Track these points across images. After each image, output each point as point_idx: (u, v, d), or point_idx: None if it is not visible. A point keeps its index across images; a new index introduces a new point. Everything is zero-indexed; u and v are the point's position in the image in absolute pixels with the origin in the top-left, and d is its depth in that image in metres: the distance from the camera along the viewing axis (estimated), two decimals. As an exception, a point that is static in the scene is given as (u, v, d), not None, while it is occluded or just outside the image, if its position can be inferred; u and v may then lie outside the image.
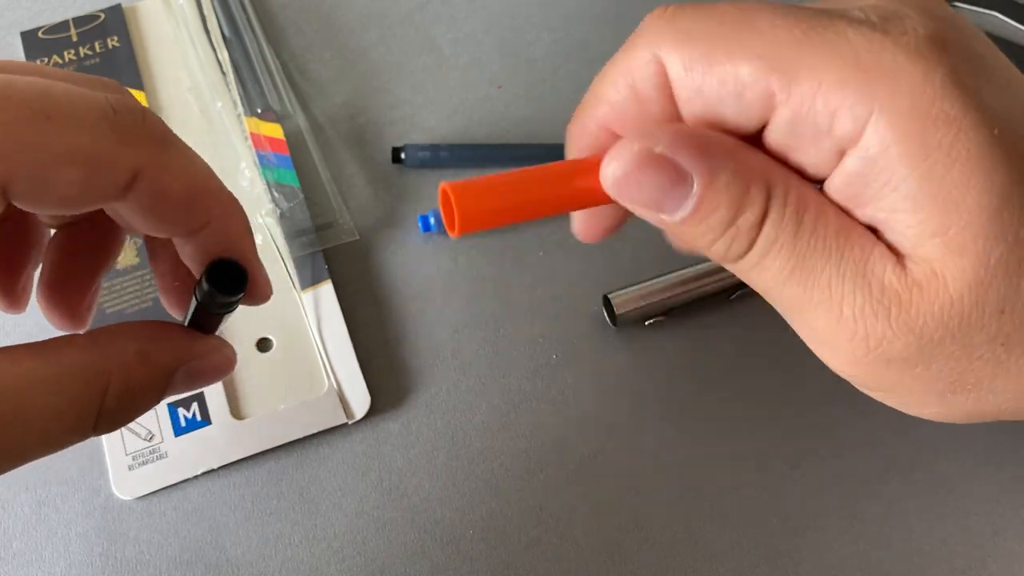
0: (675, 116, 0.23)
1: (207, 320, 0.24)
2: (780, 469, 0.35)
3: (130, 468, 0.34)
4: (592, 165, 0.23)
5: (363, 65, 0.46)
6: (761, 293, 0.23)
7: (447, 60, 0.46)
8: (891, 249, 0.21)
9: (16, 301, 0.26)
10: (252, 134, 0.41)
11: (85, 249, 0.26)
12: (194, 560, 0.33)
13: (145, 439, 0.35)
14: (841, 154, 0.20)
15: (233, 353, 0.25)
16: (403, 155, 0.42)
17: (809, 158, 0.21)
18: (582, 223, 0.27)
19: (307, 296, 0.38)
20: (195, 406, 0.36)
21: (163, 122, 0.22)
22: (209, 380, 0.24)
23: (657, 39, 0.22)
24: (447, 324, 0.38)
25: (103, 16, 0.46)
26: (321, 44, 0.46)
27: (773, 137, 0.21)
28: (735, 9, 0.21)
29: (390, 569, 0.33)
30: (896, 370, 0.21)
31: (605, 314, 0.38)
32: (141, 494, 0.34)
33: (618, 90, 0.23)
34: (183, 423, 0.35)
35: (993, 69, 0.21)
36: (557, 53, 0.46)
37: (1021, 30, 0.47)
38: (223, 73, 0.44)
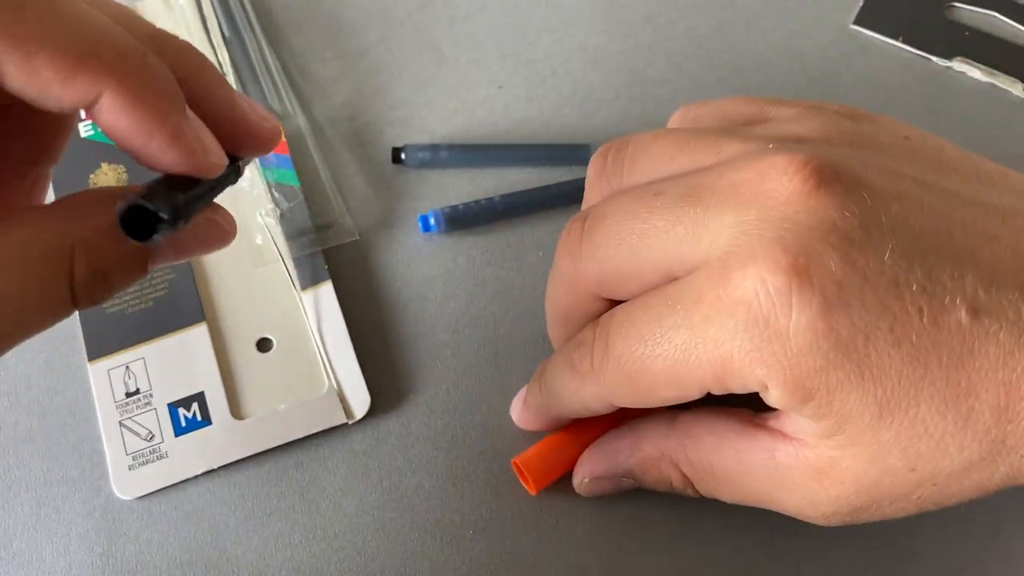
0: None
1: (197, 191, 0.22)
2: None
3: (130, 468, 0.34)
4: (618, 419, 0.33)
5: (363, 65, 0.46)
6: None
7: (447, 60, 0.46)
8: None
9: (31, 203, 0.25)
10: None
11: (20, 131, 0.24)
12: (194, 560, 0.33)
13: (145, 439, 0.35)
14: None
15: (230, 222, 0.23)
16: (403, 155, 0.42)
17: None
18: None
19: (307, 296, 0.38)
20: (195, 406, 0.36)
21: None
22: (200, 250, 0.23)
23: (671, 447, 0.30)
24: (447, 324, 0.38)
25: (103, 16, 0.46)
26: (321, 44, 0.46)
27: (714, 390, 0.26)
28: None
29: (390, 569, 0.33)
30: (864, 516, 0.26)
31: (605, 314, 0.38)
32: (141, 494, 0.34)
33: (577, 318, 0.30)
34: (183, 423, 0.35)
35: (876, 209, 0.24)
36: (557, 53, 0.46)
37: (1021, 30, 0.47)
38: (223, 73, 0.44)
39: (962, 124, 0.44)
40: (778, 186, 0.23)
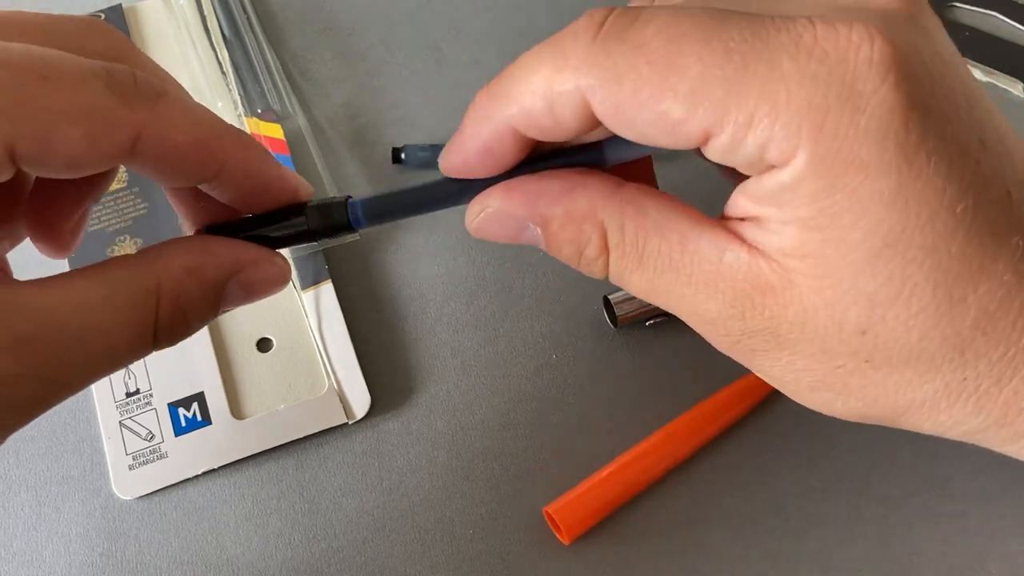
0: (594, 132, 0.23)
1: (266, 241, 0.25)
2: (781, 471, 0.35)
3: (130, 468, 0.34)
4: (649, 455, 0.34)
5: (363, 65, 0.46)
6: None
7: (447, 60, 0.46)
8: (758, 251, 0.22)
9: (64, 245, 0.26)
10: (252, 134, 0.41)
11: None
12: (194, 560, 0.33)
13: (145, 439, 0.35)
14: (767, 170, 0.21)
15: (287, 265, 0.25)
16: (403, 155, 0.42)
17: (741, 172, 0.22)
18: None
19: (307, 296, 0.38)
20: (195, 406, 0.36)
21: (156, 77, 0.22)
22: (264, 291, 0.25)
23: (584, 73, 0.21)
24: (447, 324, 0.38)
25: (103, 16, 0.46)
26: (321, 44, 0.46)
27: (709, 156, 0.22)
28: (664, 45, 0.20)
29: (390, 569, 0.33)
30: (763, 357, 0.23)
31: (605, 315, 0.38)
32: (141, 494, 0.34)
33: (535, 101, 0.22)
34: (183, 423, 0.35)
35: (947, 80, 0.21)
36: (557, 53, 0.46)
37: (1021, 30, 0.47)
38: (223, 73, 0.44)
39: (962, 124, 0.44)
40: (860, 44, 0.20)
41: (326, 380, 0.36)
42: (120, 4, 0.46)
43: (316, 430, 0.35)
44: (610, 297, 0.38)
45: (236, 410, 0.36)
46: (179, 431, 0.35)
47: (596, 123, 0.22)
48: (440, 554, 0.33)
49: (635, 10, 0.21)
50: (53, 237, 0.26)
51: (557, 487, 0.34)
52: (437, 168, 0.26)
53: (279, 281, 0.25)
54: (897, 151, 0.20)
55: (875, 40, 0.20)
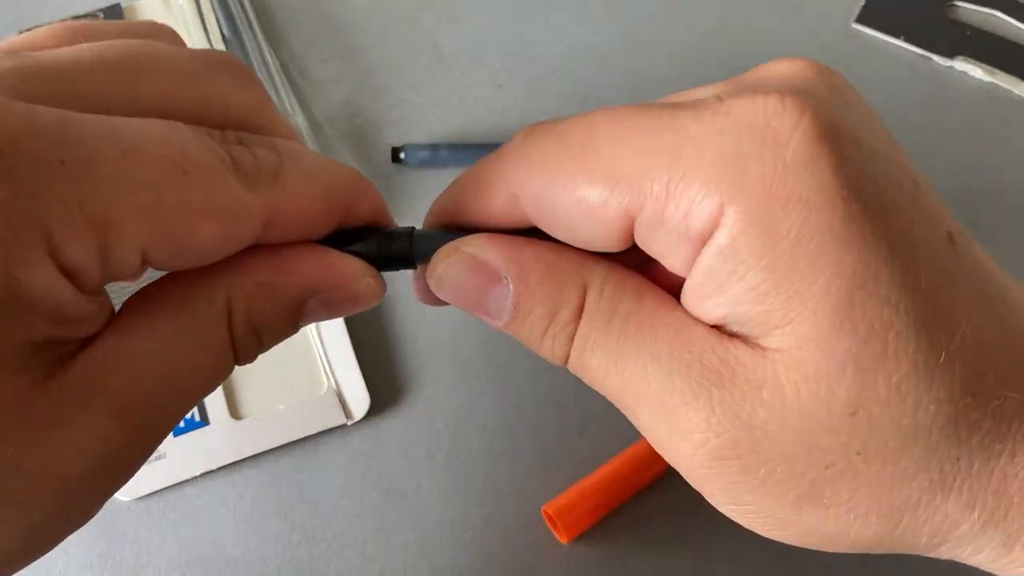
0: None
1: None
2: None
3: (129, 468, 0.34)
4: (647, 454, 0.34)
5: (363, 65, 0.46)
6: (602, 394, 0.22)
7: (447, 60, 0.46)
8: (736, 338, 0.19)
9: None
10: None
11: None
12: (193, 560, 0.33)
13: (144, 439, 0.35)
14: (701, 246, 0.19)
15: (379, 281, 0.23)
16: (403, 155, 0.42)
17: (678, 261, 0.20)
18: (419, 291, 0.27)
19: (307, 296, 0.38)
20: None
21: (271, 145, 0.21)
22: (349, 310, 0.23)
23: (510, 173, 0.21)
24: (447, 324, 0.38)
25: (102, 16, 0.46)
26: (321, 44, 0.46)
27: (643, 246, 0.20)
28: (579, 130, 0.20)
29: (390, 569, 0.33)
30: (735, 474, 0.20)
31: (605, 314, 0.38)
32: (140, 495, 0.34)
33: (477, 215, 0.22)
34: (182, 423, 0.35)
35: (869, 127, 0.19)
36: (557, 53, 0.46)
37: (1021, 29, 0.47)
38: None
39: (963, 123, 0.44)
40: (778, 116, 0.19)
41: (325, 380, 0.36)
42: (119, 3, 0.46)
43: (315, 431, 0.35)
44: (610, 297, 0.38)
45: (235, 410, 0.36)
46: (177, 431, 0.35)
47: (525, 220, 0.21)
48: (439, 554, 0.33)
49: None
50: None
51: (556, 487, 0.34)
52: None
53: (368, 300, 0.23)
54: (834, 178, 0.18)
55: (784, 94, 0.19)
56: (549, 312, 0.21)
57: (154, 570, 0.33)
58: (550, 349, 0.22)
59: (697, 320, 0.20)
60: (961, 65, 0.46)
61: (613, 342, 0.21)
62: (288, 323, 0.22)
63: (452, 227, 0.23)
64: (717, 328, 0.20)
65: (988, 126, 0.44)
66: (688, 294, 0.20)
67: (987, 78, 0.45)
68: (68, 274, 0.17)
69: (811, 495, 0.19)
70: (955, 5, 0.48)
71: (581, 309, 0.21)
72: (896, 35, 0.47)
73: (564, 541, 0.33)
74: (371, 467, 0.35)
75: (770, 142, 0.18)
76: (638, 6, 0.48)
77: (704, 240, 0.19)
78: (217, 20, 0.45)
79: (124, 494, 0.34)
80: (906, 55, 0.47)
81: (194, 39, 0.45)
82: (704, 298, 0.19)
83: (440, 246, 0.23)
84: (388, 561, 0.33)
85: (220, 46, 0.44)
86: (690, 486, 0.36)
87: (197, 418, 0.35)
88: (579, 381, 0.37)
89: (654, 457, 0.34)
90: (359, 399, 0.36)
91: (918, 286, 0.18)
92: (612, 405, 0.36)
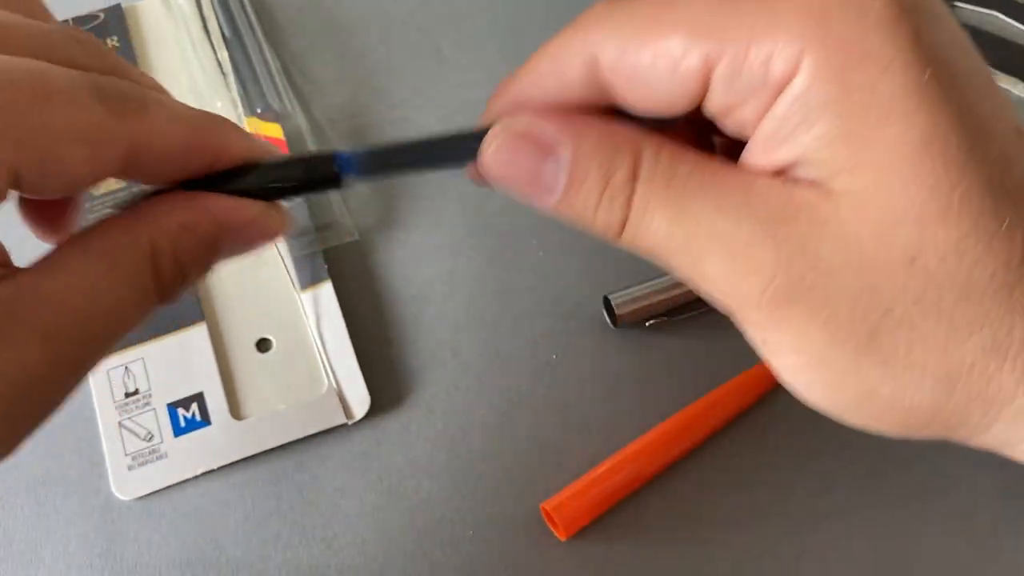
0: (601, 98, 0.22)
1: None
2: (781, 468, 0.35)
3: (130, 468, 0.34)
4: (647, 451, 0.34)
5: (363, 65, 0.46)
6: (661, 263, 0.22)
7: (447, 60, 0.46)
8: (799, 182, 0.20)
9: (58, 230, 0.26)
10: (252, 133, 0.41)
11: None
12: (194, 560, 0.33)
13: (145, 439, 0.35)
14: (778, 92, 0.20)
15: (285, 215, 0.24)
16: (403, 155, 0.42)
17: (750, 113, 0.20)
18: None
19: (306, 296, 0.38)
20: (194, 406, 0.35)
21: (136, 85, 0.22)
22: (261, 243, 0.24)
23: (590, 29, 0.22)
24: (447, 324, 0.38)
25: (103, 16, 0.46)
26: (321, 44, 0.46)
27: (714, 101, 0.21)
28: None
29: (390, 569, 0.33)
30: (800, 314, 0.20)
31: (605, 315, 0.38)
32: (141, 494, 0.34)
33: (546, 79, 0.23)
34: (183, 423, 0.35)
35: (940, 17, 0.20)
36: (557, 53, 0.46)
37: (1021, 30, 0.47)
38: (223, 73, 0.44)
39: (963, 124, 0.44)
40: None
41: (325, 380, 0.36)
42: (119, 4, 0.46)
43: (315, 430, 0.35)
44: (610, 297, 0.38)
45: (235, 410, 0.36)
46: (178, 431, 0.35)
47: (601, 88, 0.22)
48: (439, 553, 0.33)
49: None
50: (47, 223, 0.25)
51: (555, 484, 0.34)
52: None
53: (276, 232, 0.24)
54: (914, 44, 0.18)
55: None
56: (605, 175, 0.21)
57: (154, 569, 0.33)
58: (606, 217, 0.22)
59: (761, 172, 0.20)
60: (960, 65, 0.46)
61: (676, 197, 0.21)
62: (209, 259, 0.23)
63: (510, 112, 0.23)
64: (781, 175, 0.20)
65: (987, 126, 0.44)
66: (755, 146, 0.20)
67: (986, 78, 0.45)
68: None
69: (871, 344, 0.20)
70: (955, 5, 0.48)
71: (637, 171, 0.21)
72: (896, 35, 0.47)
73: (562, 538, 0.33)
74: (372, 467, 0.35)
75: (854, 2, 0.19)
76: (638, 6, 0.48)
77: (780, 89, 0.19)
78: (218, 21, 0.45)
79: (124, 494, 0.34)
80: (905, 55, 0.47)
81: (195, 39, 0.45)
82: (773, 147, 0.20)
83: (371, 162, 0.24)
84: (388, 561, 0.33)
85: (221, 47, 0.44)
86: (689, 484, 0.37)
87: (198, 418, 0.35)
88: (579, 381, 0.37)
89: (653, 455, 0.35)
90: (360, 399, 0.36)
91: (987, 156, 0.19)
92: (611, 405, 0.36)
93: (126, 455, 0.35)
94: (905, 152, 0.18)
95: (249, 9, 0.46)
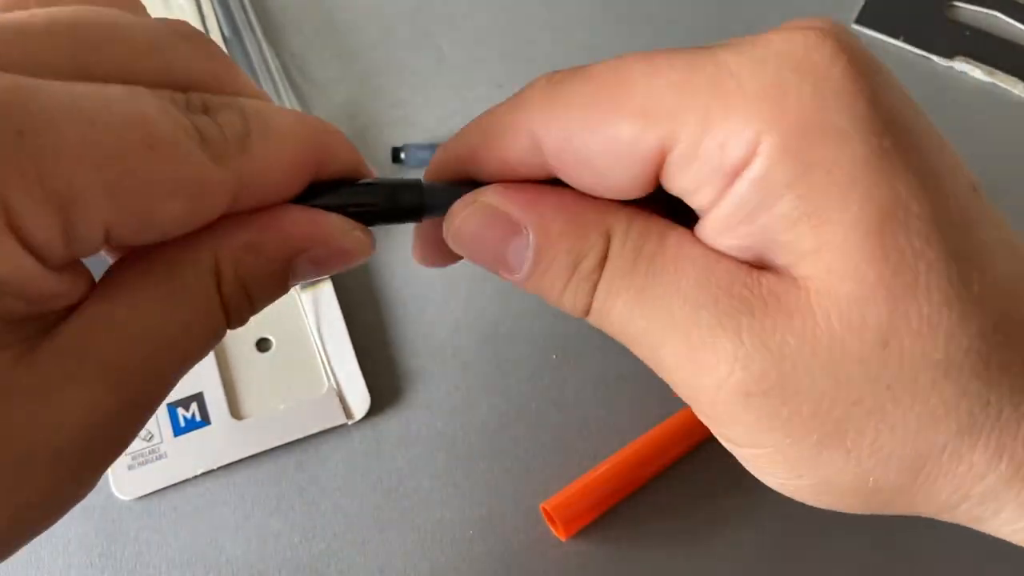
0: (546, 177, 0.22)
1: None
2: (780, 469, 0.35)
3: (130, 468, 0.34)
4: (647, 451, 0.34)
5: (363, 65, 0.46)
6: (624, 343, 0.21)
7: (447, 60, 0.46)
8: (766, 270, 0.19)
9: None
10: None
11: None
12: (194, 560, 0.33)
13: (144, 439, 0.35)
14: (734, 177, 0.19)
15: (368, 236, 0.22)
16: (403, 155, 0.42)
17: (707, 197, 0.19)
18: (421, 251, 0.26)
19: (306, 296, 0.38)
20: (194, 406, 0.35)
21: (237, 110, 0.20)
22: (339, 267, 0.22)
23: (534, 116, 0.20)
24: (447, 324, 0.38)
25: (103, 16, 0.46)
26: (321, 44, 0.46)
27: (670, 185, 0.20)
28: (610, 69, 0.20)
29: (390, 569, 0.33)
30: (759, 410, 0.19)
31: (605, 314, 0.38)
32: (141, 494, 0.34)
33: (491, 163, 0.22)
34: (182, 423, 0.35)
35: (891, 77, 0.20)
36: (557, 53, 0.46)
37: (1022, 29, 0.47)
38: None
39: (963, 123, 0.44)
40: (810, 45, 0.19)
41: (325, 380, 0.36)
42: (120, 4, 0.46)
43: (315, 430, 0.35)
44: (610, 297, 0.38)
45: (235, 410, 0.36)
46: (178, 431, 0.35)
47: (545, 171, 0.21)
48: (439, 553, 0.33)
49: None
50: None
51: (555, 484, 0.34)
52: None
53: (357, 255, 0.22)
54: (872, 111, 0.18)
55: (821, 31, 0.19)
56: (572, 262, 0.20)
57: (154, 569, 0.33)
58: (572, 300, 0.21)
59: (723, 254, 0.20)
60: (960, 65, 0.46)
61: (639, 282, 0.20)
62: (278, 283, 0.21)
63: (458, 180, 0.22)
64: (746, 262, 0.19)
65: (987, 126, 0.44)
66: (714, 227, 0.20)
67: (986, 78, 0.45)
68: (31, 250, 0.16)
69: (834, 436, 0.19)
70: (955, 5, 0.48)
71: (605, 257, 0.20)
72: (896, 35, 0.47)
73: (563, 538, 0.33)
74: (371, 467, 0.35)
75: (810, 73, 0.18)
76: (638, 6, 0.48)
77: (737, 173, 0.18)
78: (217, 20, 0.45)
79: (124, 494, 0.34)
80: (906, 55, 0.47)
81: (194, 39, 0.45)
82: (731, 229, 0.19)
83: (449, 198, 0.22)
84: (388, 561, 0.33)
85: (221, 46, 0.44)
86: (688, 484, 0.37)
87: (198, 418, 0.35)
88: (579, 381, 0.37)
89: (653, 455, 0.35)
90: (359, 399, 0.36)
91: (949, 220, 0.18)
92: (611, 405, 0.36)
93: (126, 455, 0.35)
94: (868, 229, 0.18)
95: (249, 9, 0.46)
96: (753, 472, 0.21)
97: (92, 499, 0.34)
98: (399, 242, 0.40)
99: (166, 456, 0.35)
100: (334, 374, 0.36)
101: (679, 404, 0.36)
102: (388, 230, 0.40)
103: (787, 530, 0.34)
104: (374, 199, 0.22)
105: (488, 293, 0.39)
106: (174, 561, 0.33)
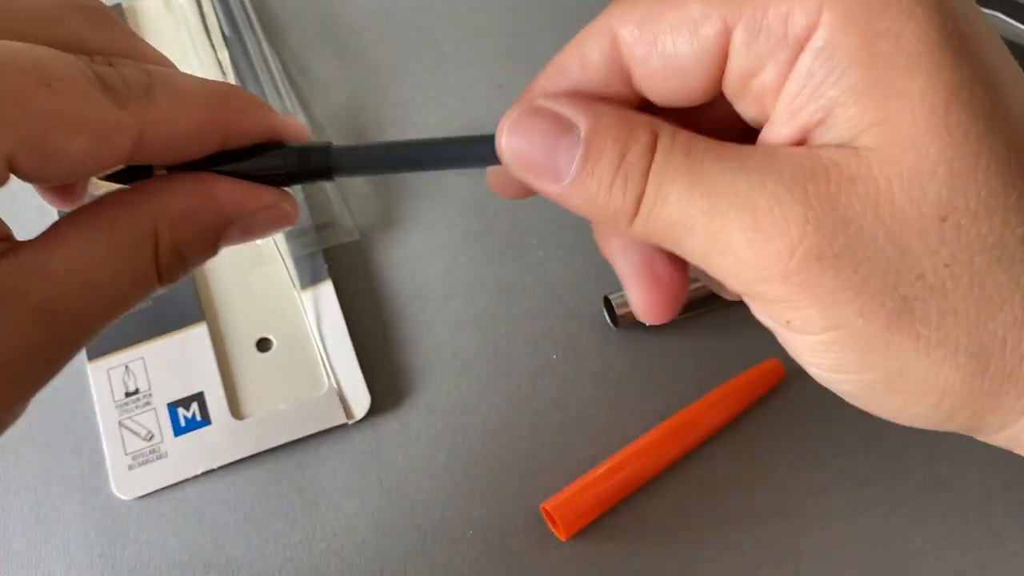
0: (622, 86, 0.22)
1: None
2: (781, 469, 0.35)
3: (130, 468, 0.34)
4: (647, 451, 0.34)
5: (363, 65, 0.46)
6: (676, 247, 0.21)
7: (447, 60, 0.46)
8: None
9: (71, 199, 0.25)
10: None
11: None
12: (194, 560, 0.33)
13: (145, 439, 0.35)
14: (798, 51, 0.19)
15: (293, 205, 0.24)
16: (403, 155, 0.42)
17: (771, 76, 0.20)
18: (497, 180, 0.26)
19: (307, 296, 0.38)
20: (195, 406, 0.35)
21: (140, 67, 0.21)
22: (265, 233, 0.24)
23: (612, 13, 0.22)
24: (447, 324, 0.38)
25: (103, 16, 0.46)
26: (321, 44, 0.46)
27: (734, 70, 0.20)
28: None
29: (390, 569, 0.33)
30: (831, 279, 0.19)
31: (606, 314, 0.38)
32: (141, 494, 0.34)
33: (569, 67, 0.23)
34: (183, 423, 0.35)
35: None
36: (557, 52, 0.46)
37: (1021, 30, 0.47)
38: (223, 73, 0.44)
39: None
40: None
41: (326, 380, 0.36)
42: (120, 4, 0.46)
43: (316, 430, 0.35)
44: (610, 297, 0.38)
45: (236, 410, 0.36)
46: (178, 431, 0.35)
47: (622, 71, 0.21)
48: (439, 553, 0.33)
49: None
50: (63, 194, 0.25)
51: (555, 484, 0.34)
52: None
53: (282, 224, 0.24)
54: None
55: None
56: (622, 149, 0.20)
57: (155, 569, 0.33)
58: (620, 196, 0.21)
59: (782, 145, 0.20)
60: (960, 66, 0.46)
61: (696, 164, 0.20)
62: (210, 247, 0.23)
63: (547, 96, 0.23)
64: (804, 144, 0.20)
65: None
66: (778, 113, 0.20)
67: (986, 79, 0.45)
68: None
69: (902, 316, 0.19)
70: (954, 6, 0.48)
71: (655, 145, 0.20)
72: (896, 36, 0.47)
73: (563, 538, 0.33)
74: (372, 466, 0.35)
75: None
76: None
77: (802, 44, 0.19)
78: (218, 20, 0.45)
79: (124, 494, 0.34)
80: (905, 56, 0.47)
81: (195, 39, 0.45)
82: (798, 108, 0.19)
83: (359, 156, 0.23)
84: (388, 561, 0.33)
85: (221, 46, 0.44)
86: (689, 484, 0.36)
87: (198, 417, 0.35)
88: (580, 381, 0.37)
89: (653, 455, 0.35)
90: (360, 399, 0.36)
91: (1010, 114, 0.18)
92: (611, 405, 0.36)
93: (126, 455, 0.35)
94: (934, 103, 0.18)
95: (249, 8, 0.46)
96: (824, 371, 0.20)
97: (92, 499, 0.34)
98: (399, 242, 0.40)
99: (166, 456, 0.35)
100: (334, 374, 0.36)
101: (679, 404, 0.36)
102: (389, 230, 0.41)
103: (788, 530, 0.34)
104: (282, 162, 0.23)
105: (488, 293, 0.39)
106: (174, 561, 0.33)
